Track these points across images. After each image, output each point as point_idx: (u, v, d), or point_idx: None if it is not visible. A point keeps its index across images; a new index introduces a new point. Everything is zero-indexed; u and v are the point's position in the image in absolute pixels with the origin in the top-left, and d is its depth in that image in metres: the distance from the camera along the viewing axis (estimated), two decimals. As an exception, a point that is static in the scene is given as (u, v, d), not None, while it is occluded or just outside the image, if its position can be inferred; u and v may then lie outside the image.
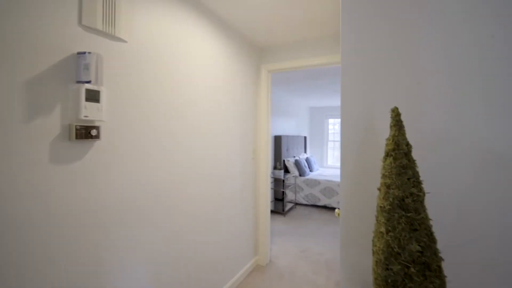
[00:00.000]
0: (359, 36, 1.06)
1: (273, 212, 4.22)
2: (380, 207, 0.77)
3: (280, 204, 4.58)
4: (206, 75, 1.81)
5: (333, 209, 4.48)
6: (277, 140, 4.87)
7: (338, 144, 7.23)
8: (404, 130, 0.78)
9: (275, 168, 4.42)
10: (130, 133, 1.23)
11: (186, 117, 1.62)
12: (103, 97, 1.07)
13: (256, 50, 2.52)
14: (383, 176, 0.78)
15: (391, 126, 0.80)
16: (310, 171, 5.52)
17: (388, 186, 0.76)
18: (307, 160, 5.60)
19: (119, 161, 1.18)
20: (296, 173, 4.88)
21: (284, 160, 4.99)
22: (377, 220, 0.80)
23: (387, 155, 0.79)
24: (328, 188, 4.46)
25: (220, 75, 1.96)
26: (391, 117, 0.80)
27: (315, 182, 4.60)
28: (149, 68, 1.34)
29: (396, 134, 0.78)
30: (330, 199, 4.42)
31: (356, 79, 1.06)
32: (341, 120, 1.09)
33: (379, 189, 0.81)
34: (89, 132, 1.02)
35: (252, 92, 2.46)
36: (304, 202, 4.67)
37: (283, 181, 4.17)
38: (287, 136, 5.23)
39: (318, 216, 4.15)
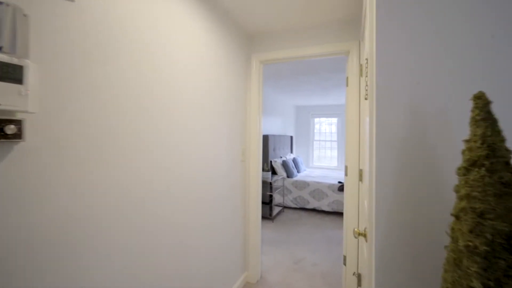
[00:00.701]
0: None
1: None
2: (467, 246, 0.50)
3: (267, 208, 4.29)
4: (189, 61, 1.47)
5: (322, 212, 4.29)
6: (264, 140, 4.58)
7: (324, 144, 7.11)
8: (499, 128, 0.51)
9: (262, 169, 4.13)
10: (77, 131, 0.87)
11: (161, 114, 1.27)
12: (30, 76, 0.70)
13: (245, 37, 2.21)
14: (468, 197, 0.51)
15: (475, 121, 0.53)
16: (298, 172, 5.31)
17: (480, 214, 0.49)
18: (294, 160, 5.38)
19: (56, 173, 0.81)
20: (284, 174, 4.63)
21: (271, 161, 4.73)
22: (456, 266, 0.52)
23: (473, 164, 0.52)
24: (318, 190, 4.26)
25: (205, 63, 1.62)
26: (476, 108, 0.53)
27: (304, 184, 4.38)
28: (107, 40, 0.98)
29: (489, 134, 0.51)
30: (319, 201, 4.22)
31: (401, 44, 0.78)
32: (376, 104, 0.81)
33: (456, 216, 0.54)
34: (2, 129, 0.65)
35: (241, 86, 2.14)
36: (293, 205, 4.43)
37: (271, 183, 3.91)
38: (274, 136, 4.96)
39: (308, 220, 3.92)
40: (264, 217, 3.91)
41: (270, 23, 2.04)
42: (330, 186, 4.18)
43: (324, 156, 7.13)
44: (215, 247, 1.75)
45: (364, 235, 1.04)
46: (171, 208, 1.33)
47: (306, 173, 5.28)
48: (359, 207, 1.85)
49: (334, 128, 7.01)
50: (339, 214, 4.18)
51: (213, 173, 1.72)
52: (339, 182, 4.23)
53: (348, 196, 1.91)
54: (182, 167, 1.42)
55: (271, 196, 4.00)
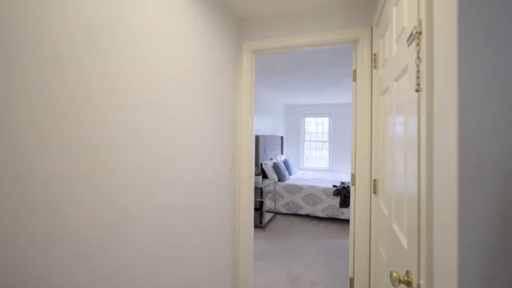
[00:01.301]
0: None
1: (250, 225, 3.60)
2: None
3: (257, 215, 3.97)
4: (167, 44, 1.11)
5: (317, 218, 4.02)
6: (255, 141, 4.26)
7: (314, 145, 6.89)
8: None
9: (252, 173, 3.80)
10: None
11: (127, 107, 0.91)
12: None
13: (235, 21, 1.87)
14: None
15: None
16: (289, 174, 5.03)
17: None
18: (285, 162, 5.10)
19: None
20: (275, 178, 4.33)
21: (261, 164, 4.41)
22: None
23: None
24: (311, 195, 3.99)
25: (189, 50, 1.27)
26: None
27: (297, 188, 4.10)
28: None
29: None
30: (313, 207, 3.95)
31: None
32: (457, 98, 0.51)
33: None
34: None
35: (230, 81, 1.80)
36: (285, 211, 4.14)
37: (261, 189, 3.59)
38: (264, 136, 4.65)
39: (301, 227, 3.64)
40: (254, 226, 3.58)
41: (264, 4, 1.71)
42: (324, 190, 3.93)
43: (315, 157, 6.91)
44: (198, 274, 1.41)
45: (409, 283, 0.73)
46: (147, 238, 0.98)
47: (298, 176, 5.01)
48: (371, 224, 1.57)
49: (325, 128, 6.80)
50: (334, 220, 3.93)
51: (196, 191, 1.38)
52: (334, 186, 3.98)
53: (358, 210, 1.62)
54: (167, 171, 1.07)
55: (261, 202, 3.69)
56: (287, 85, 4.33)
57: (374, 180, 1.47)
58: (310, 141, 6.93)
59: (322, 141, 6.82)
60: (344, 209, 3.75)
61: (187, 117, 1.31)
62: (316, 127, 6.91)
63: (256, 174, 3.77)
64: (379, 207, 1.34)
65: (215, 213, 1.60)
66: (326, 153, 6.78)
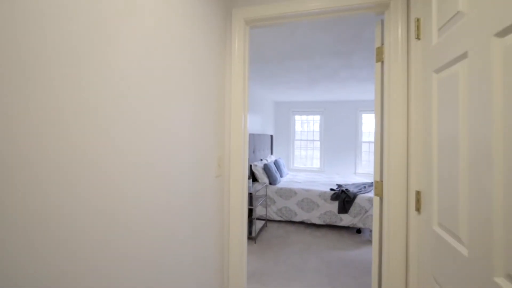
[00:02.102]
0: None
1: (239, 236, 3.14)
2: None
3: (247, 224, 3.53)
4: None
5: (313, 225, 3.63)
6: (243, 140, 3.80)
7: (305, 144, 6.54)
8: None
9: (241, 177, 3.35)
10: None
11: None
12: None
13: (223, -19, 1.41)
14: None
15: None
16: (281, 176, 4.62)
17: None
18: (276, 163, 4.68)
19: None
20: (266, 181, 3.90)
21: (251, 165, 3.96)
22: None
23: None
24: (307, 199, 3.60)
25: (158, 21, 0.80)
26: None
27: (290, 192, 3.69)
28: None
29: None
30: (309, 213, 3.56)
31: None
32: None
33: None
34: None
35: (215, 64, 1.34)
36: (277, 218, 3.72)
37: (251, 194, 3.15)
38: (253, 135, 4.21)
39: (297, 237, 3.24)
40: (244, 237, 3.12)
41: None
42: (321, 194, 3.55)
43: (305, 157, 6.57)
44: None
45: None
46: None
47: (289, 178, 4.61)
48: (408, 255, 1.17)
49: (316, 127, 6.47)
50: (332, 227, 3.57)
51: (166, 209, 0.91)
52: (332, 190, 3.61)
53: (388, 233, 1.21)
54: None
55: (251, 210, 3.24)
56: (278, 78, 3.91)
57: (417, 193, 1.07)
58: (301, 140, 6.57)
59: (313, 140, 6.49)
60: (343, 215, 3.39)
61: (148, 112, 0.84)
62: (307, 125, 6.56)
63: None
64: (429, 232, 0.94)
65: (197, 250, 1.14)
66: (317, 153, 6.45)
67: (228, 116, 1.46)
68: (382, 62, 1.33)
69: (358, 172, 6.05)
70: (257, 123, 4.96)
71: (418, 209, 1.06)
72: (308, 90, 4.82)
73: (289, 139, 6.56)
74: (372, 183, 4.03)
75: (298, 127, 6.61)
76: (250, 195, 3.68)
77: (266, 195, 3.71)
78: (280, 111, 6.61)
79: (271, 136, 5.55)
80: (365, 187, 3.82)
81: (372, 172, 5.96)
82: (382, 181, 1.31)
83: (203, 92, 1.19)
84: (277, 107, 6.64)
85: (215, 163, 1.33)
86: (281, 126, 6.60)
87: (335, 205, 3.45)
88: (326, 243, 3.06)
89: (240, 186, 1.45)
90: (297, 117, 6.61)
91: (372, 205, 3.27)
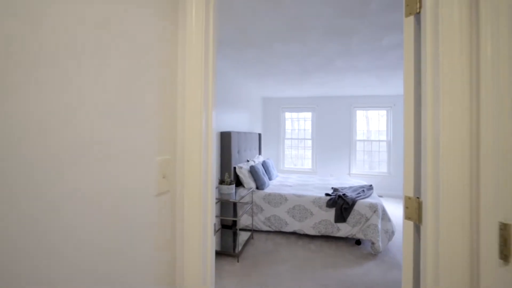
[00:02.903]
0: None
1: (220, 254, 2.64)
2: None
3: (229, 236, 3.03)
4: None
5: (306, 236, 3.17)
6: (225, 139, 3.30)
7: (296, 143, 6.10)
8: None
9: (222, 182, 2.84)
10: None
11: None
12: None
13: None
14: None
15: None
16: (269, 179, 4.14)
17: None
18: (264, 164, 4.20)
19: None
20: (253, 185, 3.41)
21: (235, 168, 3.46)
22: None
23: None
24: (299, 207, 3.13)
25: None
26: None
27: (280, 199, 3.22)
28: None
29: None
30: (301, 222, 3.10)
31: None
32: None
33: None
34: None
35: (157, 34, 0.82)
36: (265, 228, 3.24)
37: (235, 204, 2.65)
38: (239, 133, 3.71)
39: (288, 252, 2.77)
40: (225, 253, 2.63)
41: None
42: (315, 200, 3.09)
43: (297, 157, 6.12)
44: None
45: None
46: None
47: (279, 181, 4.14)
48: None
49: (308, 124, 6.04)
50: (328, 239, 3.12)
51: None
52: (327, 195, 3.17)
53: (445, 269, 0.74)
54: None
55: (235, 222, 2.75)
56: (265, 68, 3.43)
57: (504, 227, 0.60)
58: (291, 139, 6.12)
59: (304, 139, 6.06)
60: (340, 225, 2.95)
61: None
62: (298, 123, 6.12)
63: (227, 183, 2.82)
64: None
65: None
66: (309, 153, 6.02)
67: (182, 111, 0.95)
68: (418, 14, 0.86)
69: (353, 173, 5.66)
70: (243, 121, 4.47)
71: (507, 256, 0.60)
72: (300, 83, 4.36)
73: (279, 138, 6.09)
74: (371, 185, 3.62)
75: (288, 125, 6.16)
76: (234, 206, 3.20)
77: (252, 202, 3.22)
78: (269, 108, 6.13)
79: (259, 134, 5.07)
80: (363, 190, 3.40)
81: (368, 173, 5.59)
82: (419, 199, 0.84)
83: (136, 74, 0.68)
84: (265, 103, 6.16)
85: (155, 173, 0.82)
86: (270, 124, 6.13)
87: (331, 213, 3.00)
88: (322, 260, 2.60)
89: (197, 207, 0.95)
90: (288, 115, 6.15)
91: (374, 212, 2.84)
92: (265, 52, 2.80)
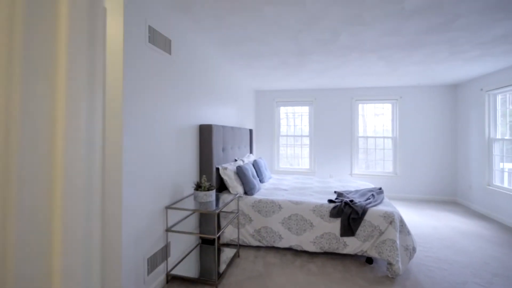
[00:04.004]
0: None
1: (194, 282, 2.03)
2: None
3: (209, 254, 2.42)
4: None
5: (304, 254, 2.57)
6: (205, 133, 2.68)
7: (292, 141, 5.51)
8: None
9: (198, 188, 2.22)
10: None
11: None
12: None
13: None
14: None
15: None
16: (261, 181, 3.54)
17: None
18: (255, 165, 3.60)
19: None
20: (240, 190, 2.80)
21: (218, 168, 2.85)
22: None
23: None
24: (296, 216, 2.53)
25: None
26: None
27: (272, 206, 2.62)
28: None
29: None
30: (299, 235, 2.50)
31: None
32: None
33: None
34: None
35: None
36: (254, 243, 2.63)
37: (218, 215, 2.02)
38: (224, 128, 3.10)
39: (282, 276, 2.17)
40: (200, 282, 2.01)
41: None
42: (316, 208, 2.50)
43: (293, 156, 5.54)
44: None
45: None
46: None
47: (273, 184, 3.54)
48: None
49: (305, 120, 5.45)
50: (333, 256, 2.52)
51: None
52: (330, 202, 2.57)
53: None
54: None
55: (217, 237, 2.14)
56: (254, 46, 2.83)
57: None
58: (287, 136, 5.53)
59: (301, 136, 5.47)
60: (348, 239, 2.36)
61: None
62: (294, 119, 5.53)
63: (204, 188, 2.20)
64: None
65: None
66: (306, 151, 5.44)
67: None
68: None
69: (355, 173, 5.10)
70: (230, 114, 3.86)
71: None
72: (296, 70, 3.77)
73: (273, 135, 5.50)
74: (380, 188, 3.05)
75: (283, 121, 5.56)
76: (218, 217, 2.59)
77: (238, 210, 2.61)
78: (263, 102, 5.53)
79: (250, 131, 4.46)
80: (373, 195, 2.82)
81: (371, 173, 5.03)
82: None
83: None
84: (258, 97, 5.56)
85: None
86: (263, 120, 5.53)
87: (336, 225, 2.41)
88: (326, 286, 2.01)
89: None
90: (283, 109, 5.56)
91: (389, 223, 2.26)
92: (254, 24, 2.20)
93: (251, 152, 4.47)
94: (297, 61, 3.29)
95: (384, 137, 5.09)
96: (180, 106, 2.29)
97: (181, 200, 2.26)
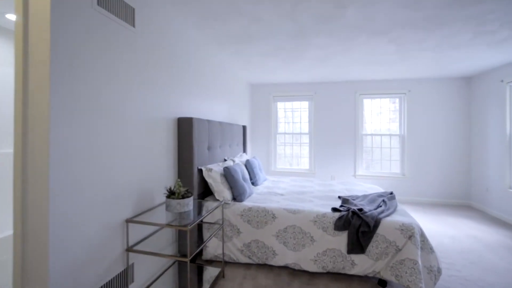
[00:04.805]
0: None
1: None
2: None
3: (191, 273, 1.99)
4: None
5: (303, 274, 2.14)
6: (184, 128, 2.24)
7: (290, 139, 5.07)
8: None
9: (171, 195, 1.78)
10: None
11: None
12: None
13: None
14: None
15: None
16: (254, 184, 3.11)
17: None
18: (248, 165, 3.17)
19: None
20: (227, 195, 2.37)
21: (201, 170, 2.42)
22: None
23: None
24: (293, 228, 2.10)
25: None
26: None
27: (265, 216, 2.18)
28: None
29: None
30: (297, 251, 2.07)
31: None
32: None
33: None
34: None
35: None
36: (243, 260, 2.20)
37: (200, 225, 1.59)
38: (210, 122, 2.66)
39: (275, 305, 1.73)
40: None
41: None
42: (317, 219, 2.07)
43: (291, 155, 5.10)
44: None
45: None
46: None
47: (268, 187, 3.11)
48: None
49: (305, 116, 5.02)
50: (338, 277, 2.08)
51: None
52: (335, 210, 2.14)
53: None
54: None
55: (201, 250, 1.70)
56: (243, 25, 2.39)
57: None
58: (285, 134, 5.10)
59: (300, 133, 5.04)
60: (356, 257, 1.93)
61: None
62: (293, 115, 5.10)
63: (178, 195, 1.77)
64: None
65: None
66: (306, 150, 5.00)
67: None
68: None
69: (359, 174, 4.67)
70: (220, 109, 3.42)
71: None
72: (293, 57, 3.33)
73: (269, 132, 5.06)
74: (391, 193, 2.62)
75: (281, 118, 5.13)
76: (199, 230, 2.17)
77: (222, 221, 2.17)
78: (258, 97, 5.10)
79: (244, 127, 4.03)
80: (384, 201, 2.38)
81: (377, 174, 4.60)
82: None
83: None
84: (254, 91, 5.12)
85: None
86: (259, 116, 5.10)
87: (342, 239, 1.98)
88: (331, 321, 1.58)
89: None
90: (280, 105, 5.13)
91: (409, 238, 1.83)
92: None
93: (244, 151, 4.04)
94: (295, 45, 2.86)
95: (390, 135, 4.66)
96: (150, 94, 1.86)
97: (150, 209, 1.83)
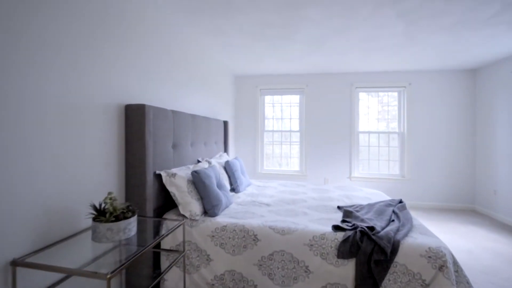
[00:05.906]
0: None
1: None
2: None
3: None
4: None
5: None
6: (133, 119, 1.64)
7: (278, 137, 4.54)
8: None
9: (99, 215, 1.18)
10: None
11: None
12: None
13: None
14: None
15: None
16: (235, 190, 2.55)
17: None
18: (228, 167, 2.61)
19: None
20: (196, 208, 1.78)
21: (160, 176, 1.83)
22: None
23: None
24: (282, 255, 1.55)
25: None
26: None
27: (244, 238, 1.62)
28: None
29: None
30: (287, 287, 1.52)
31: None
32: None
33: None
34: None
35: None
36: (216, 297, 1.63)
37: (156, 253, 1.06)
38: (176, 113, 2.07)
39: None
40: None
41: None
42: (313, 241, 1.53)
43: (280, 155, 4.58)
44: None
45: None
46: None
47: (251, 194, 2.55)
48: None
49: (295, 112, 4.50)
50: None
51: None
52: (337, 229, 1.60)
53: None
54: None
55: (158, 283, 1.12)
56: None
57: None
58: (273, 131, 4.56)
59: (290, 131, 4.52)
60: (367, 295, 1.40)
61: None
62: (282, 110, 4.57)
63: (110, 217, 1.17)
64: None
65: None
66: (296, 150, 4.49)
67: None
68: None
69: (355, 176, 4.20)
70: (195, 100, 2.84)
71: None
72: (284, 36, 2.79)
73: (256, 130, 4.51)
74: (401, 201, 2.13)
75: (269, 113, 4.59)
76: (156, 254, 1.59)
77: (184, 248, 1.59)
78: (244, 90, 4.54)
79: (225, 122, 3.45)
80: (395, 212, 1.88)
81: (374, 176, 4.14)
82: None
83: None
84: (239, 84, 4.55)
85: None
86: (245, 111, 4.54)
87: (348, 270, 1.45)
88: None
89: None
90: (268, 99, 4.59)
91: (439, 269, 1.32)
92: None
93: (225, 150, 3.46)
94: (284, 21, 2.31)
95: (389, 133, 4.22)
96: (82, 70, 1.26)
97: (71, 237, 1.23)
